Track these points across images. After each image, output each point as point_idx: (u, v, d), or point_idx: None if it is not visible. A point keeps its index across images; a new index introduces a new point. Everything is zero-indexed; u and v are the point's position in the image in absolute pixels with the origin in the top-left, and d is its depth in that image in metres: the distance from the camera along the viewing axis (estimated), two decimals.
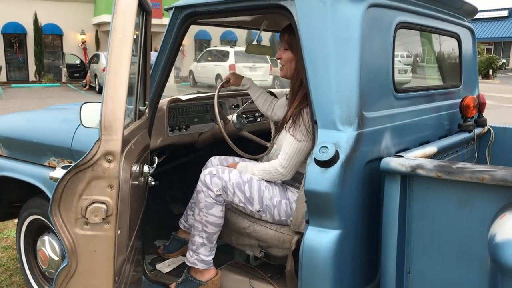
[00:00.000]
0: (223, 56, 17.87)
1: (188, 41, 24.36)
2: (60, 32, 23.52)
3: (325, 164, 1.64)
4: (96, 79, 18.88)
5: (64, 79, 22.50)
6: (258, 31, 2.80)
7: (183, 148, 2.81)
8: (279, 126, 2.19)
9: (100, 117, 1.39)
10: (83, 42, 23.65)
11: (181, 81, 21.48)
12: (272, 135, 2.63)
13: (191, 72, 20.05)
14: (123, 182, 1.43)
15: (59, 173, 1.45)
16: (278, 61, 2.21)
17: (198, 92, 2.99)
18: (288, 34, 2.12)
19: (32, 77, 23.10)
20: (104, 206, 1.37)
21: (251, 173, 2.15)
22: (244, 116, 2.81)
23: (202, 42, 25.28)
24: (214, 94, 2.42)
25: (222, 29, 24.61)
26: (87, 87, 19.98)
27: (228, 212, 2.19)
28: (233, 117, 2.55)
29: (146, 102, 2.12)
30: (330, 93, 1.72)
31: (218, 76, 17.29)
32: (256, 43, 2.83)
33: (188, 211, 2.53)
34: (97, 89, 18.52)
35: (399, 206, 1.75)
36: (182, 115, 2.70)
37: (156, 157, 2.11)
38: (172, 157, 2.79)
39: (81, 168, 1.37)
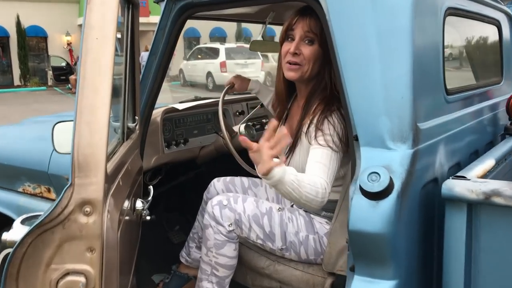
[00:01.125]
0: (213, 53, 17.42)
1: None
2: (44, 34, 22.88)
3: (376, 196, 1.24)
4: None
5: (50, 82, 21.89)
6: (263, 25, 2.40)
7: (182, 165, 2.41)
8: (291, 143, 1.70)
9: (72, 151, 0.98)
10: (69, 44, 23.04)
11: (171, 80, 20.98)
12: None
13: (181, 71, 19.56)
14: (108, 238, 1.03)
15: (15, 234, 1.03)
16: (286, 58, 1.67)
17: (196, 98, 2.58)
18: (315, 21, 1.60)
19: (17, 81, 22.46)
20: (82, 278, 0.96)
21: (289, 184, 1.41)
22: (252, 124, 2.42)
23: (191, 40, 24.73)
24: (218, 101, 2.02)
25: (211, 26, 24.15)
26: (73, 89, 19.45)
27: (242, 248, 1.78)
28: (240, 128, 2.14)
29: (136, 117, 1.72)
30: (376, 100, 1.33)
31: (209, 74, 16.85)
32: (261, 38, 2.44)
33: (190, 242, 2.11)
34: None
35: (465, 239, 1.37)
36: (179, 127, 2.29)
37: (151, 187, 1.70)
38: (169, 177, 2.39)
39: (48, 227, 0.96)
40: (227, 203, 1.71)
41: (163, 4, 1.83)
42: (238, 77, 2.16)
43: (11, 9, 21.11)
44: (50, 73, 21.56)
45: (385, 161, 1.29)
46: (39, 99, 16.78)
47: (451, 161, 1.62)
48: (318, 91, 1.69)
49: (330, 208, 1.67)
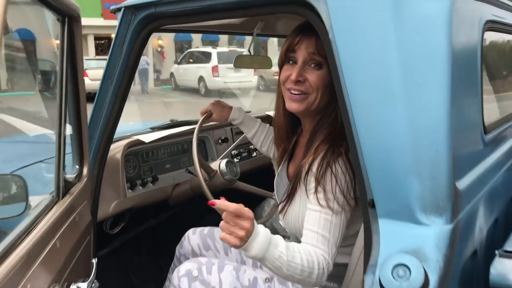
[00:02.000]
0: (205, 57, 16.97)
1: (167, 43, 23.46)
2: (32, 37, 22.41)
3: None
4: None
5: (38, 86, 21.41)
6: (251, 37, 2.02)
7: (152, 206, 2.01)
8: (289, 188, 1.33)
9: None
10: None
11: (162, 84, 20.59)
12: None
13: (172, 75, 19.13)
14: None
15: None
16: (286, 84, 1.30)
17: (172, 123, 2.17)
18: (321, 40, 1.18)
19: (4, 85, 21.97)
20: None
21: (272, 262, 1.09)
22: (237, 158, 2.04)
23: (182, 44, 24.30)
24: (193, 133, 1.63)
25: None
26: None
27: None
28: (221, 165, 1.75)
29: (85, 166, 1.33)
30: (400, 152, 0.95)
31: (201, 78, 16.43)
32: (248, 53, 2.05)
33: None
34: None
35: None
36: (147, 162, 1.90)
37: (94, 261, 1.30)
38: (136, 221, 1.99)
39: None
40: (198, 273, 1.32)
41: (119, 15, 1.44)
42: (217, 104, 1.74)
43: None
44: (38, 77, 21.10)
45: (415, 243, 0.91)
46: (27, 104, 16.26)
47: (489, 221, 1.25)
48: (324, 125, 1.30)
49: (336, 275, 1.29)
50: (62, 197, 1.19)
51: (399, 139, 0.95)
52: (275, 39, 25.53)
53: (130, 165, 1.83)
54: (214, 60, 16.30)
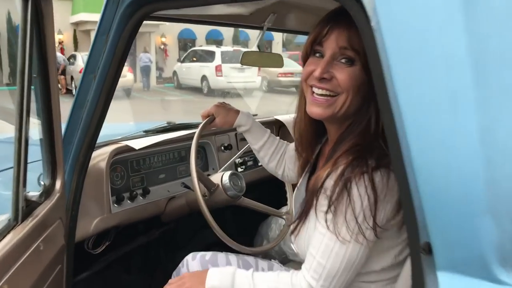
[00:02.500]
0: (209, 56, 16.75)
1: (171, 40, 23.27)
2: None
3: None
4: (73, 82, 17.71)
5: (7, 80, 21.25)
6: (260, 32, 1.76)
7: (142, 222, 1.74)
8: (304, 205, 1.06)
9: None
10: (60, 43, 22.37)
11: (164, 82, 20.39)
12: (288, 204, 1.60)
13: (175, 73, 18.93)
14: None
15: None
16: (309, 80, 1.06)
17: (170, 126, 1.90)
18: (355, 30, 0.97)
19: (6, 79, 21.81)
20: None
21: None
22: (241, 167, 1.78)
23: (186, 42, 24.07)
24: (192, 139, 1.37)
25: (208, 28, 23.55)
26: (63, 90, 18.78)
27: None
28: (223, 178, 1.48)
29: (59, 179, 1.08)
30: (471, 179, 0.69)
31: (203, 78, 16.21)
32: (256, 49, 1.80)
33: None
34: (74, 93, 17.33)
35: None
36: (138, 172, 1.64)
37: None
38: (123, 239, 1.72)
39: None
40: None
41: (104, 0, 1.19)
42: (221, 107, 1.45)
43: (1, 7, 20.46)
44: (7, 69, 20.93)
45: None
46: None
47: None
48: (352, 134, 1.05)
49: None
50: (22, 221, 0.94)
51: (469, 163, 0.69)
52: (280, 39, 25.29)
53: (117, 175, 1.57)
54: (217, 60, 16.11)
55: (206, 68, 16.26)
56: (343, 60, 1.01)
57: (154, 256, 1.94)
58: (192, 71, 17.32)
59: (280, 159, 1.45)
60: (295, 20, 1.89)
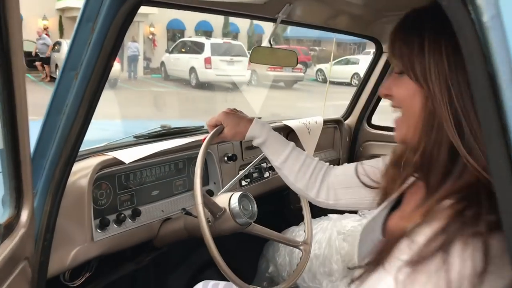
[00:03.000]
0: (198, 48, 16.44)
1: (159, 30, 22.85)
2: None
3: None
4: (57, 70, 17.26)
5: None
6: (274, 24, 1.52)
7: (130, 249, 1.47)
8: (380, 252, 0.77)
9: None
10: (45, 29, 21.80)
11: (152, 73, 20.01)
12: (306, 232, 1.36)
13: (162, 63, 18.56)
14: None
15: None
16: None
17: (165, 130, 1.62)
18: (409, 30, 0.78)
19: None
20: None
21: None
22: (245, 180, 1.54)
23: (175, 32, 23.69)
24: (194, 145, 1.12)
25: (197, 19, 23.18)
26: (48, 78, 18.30)
27: None
28: (231, 201, 1.21)
29: (25, 207, 0.82)
30: None
31: (192, 69, 15.89)
32: (268, 45, 1.55)
33: None
34: None
35: None
36: (127, 189, 1.38)
37: None
38: (106, 269, 1.45)
39: None
40: None
41: None
42: (231, 114, 1.18)
43: None
44: None
45: None
46: None
47: None
48: (436, 169, 0.76)
49: None
50: None
51: None
52: (269, 33, 24.95)
53: (102, 193, 1.30)
54: (207, 51, 15.82)
55: (195, 60, 15.96)
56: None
57: (142, 284, 1.69)
58: (180, 62, 17.01)
59: (313, 180, 1.17)
60: (310, 13, 1.66)
